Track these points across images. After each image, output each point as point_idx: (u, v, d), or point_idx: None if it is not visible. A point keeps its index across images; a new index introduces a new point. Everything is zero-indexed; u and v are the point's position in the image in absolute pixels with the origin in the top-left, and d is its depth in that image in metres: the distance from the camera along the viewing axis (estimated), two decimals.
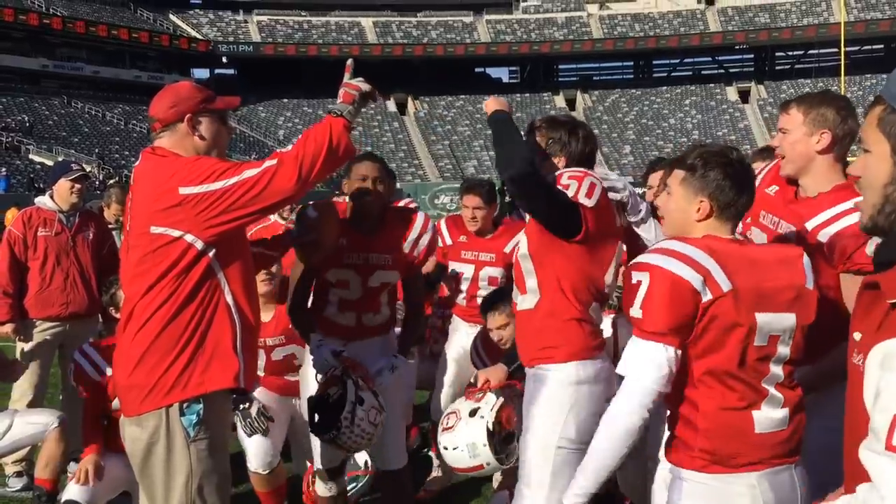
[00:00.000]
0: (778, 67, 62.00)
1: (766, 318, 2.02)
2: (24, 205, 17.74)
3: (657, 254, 2.05)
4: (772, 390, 2.05)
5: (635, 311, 2.04)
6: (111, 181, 35.23)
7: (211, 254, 2.53)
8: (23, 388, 4.95)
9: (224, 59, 57.87)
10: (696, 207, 2.13)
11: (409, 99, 59.48)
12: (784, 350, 2.06)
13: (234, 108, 2.85)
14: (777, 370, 2.06)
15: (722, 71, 63.47)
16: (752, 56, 62.58)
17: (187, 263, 2.51)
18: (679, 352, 2.01)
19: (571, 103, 60.15)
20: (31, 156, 37.59)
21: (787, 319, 2.07)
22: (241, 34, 59.06)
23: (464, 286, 4.68)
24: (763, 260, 2.09)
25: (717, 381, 2.02)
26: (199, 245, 2.51)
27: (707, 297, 1.98)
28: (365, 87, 2.71)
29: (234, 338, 2.60)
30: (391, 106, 59.24)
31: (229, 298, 2.60)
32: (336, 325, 3.46)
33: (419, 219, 3.56)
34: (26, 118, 41.59)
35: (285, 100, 58.46)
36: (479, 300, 4.26)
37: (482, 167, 52.15)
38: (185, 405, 2.53)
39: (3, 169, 32.96)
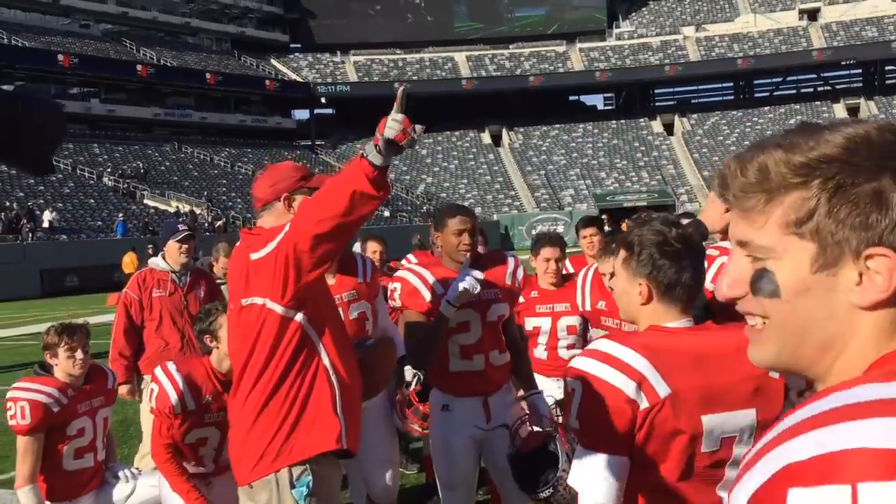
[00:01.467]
0: (889, 81, 59.27)
1: (715, 420, 1.81)
2: (140, 249, 18.60)
3: (590, 358, 1.86)
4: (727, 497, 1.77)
5: (573, 422, 1.87)
6: (218, 223, 36.65)
7: (299, 318, 2.56)
8: (147, 447, 5.03)
9: (323, 100, 59.68)
10: (636, 290, 1.94)
11: (504, 130, 59.72)
12: (742, 451, 1.82)
13: None
14: (734, 474, 1.80)
15: (828, 88, 61.17)
16: (860, 71, 60.08)
17: (276, 330, 2.56)
18: (628, 459, 1.82)
19: (669, 128, 59.06)
20: (145, 201, 39.51)
21: (745, 417, 1.84)
22: (339, 75, 60.80)
23: (542, 339, 4.69)
24: (715, 352, 1.85)
25: (663, 494, 1.82)
26: (278, 310, 2.54)
27: (644, 404, 1.78)
28: (397, 127, 2.42)
29: (333, 400, 2.63)
30: (486, 138, 59.60)
31: (326, 361, 2.63)
32: (465, 377, 3.47)
33: (509, 256, 3.71)
34: (140, 165, 43.83)
35: None
36: (560, 351, 4.58)
37: (579, 196, 51.70)
38: (295, 477, 2.57)
39: (121, 214, 34.72)
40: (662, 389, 1.79)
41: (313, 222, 2.44)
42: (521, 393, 3.62)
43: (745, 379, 1.84)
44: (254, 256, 2.56)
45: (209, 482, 3.69)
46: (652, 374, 1.79)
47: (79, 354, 3.85)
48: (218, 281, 5.87)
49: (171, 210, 38.47)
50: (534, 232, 43.42)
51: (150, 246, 16.47)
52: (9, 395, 3.80)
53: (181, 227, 5.45)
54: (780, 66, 58.09)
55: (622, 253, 1.99)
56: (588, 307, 4.44)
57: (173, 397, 3.48)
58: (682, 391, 1.80)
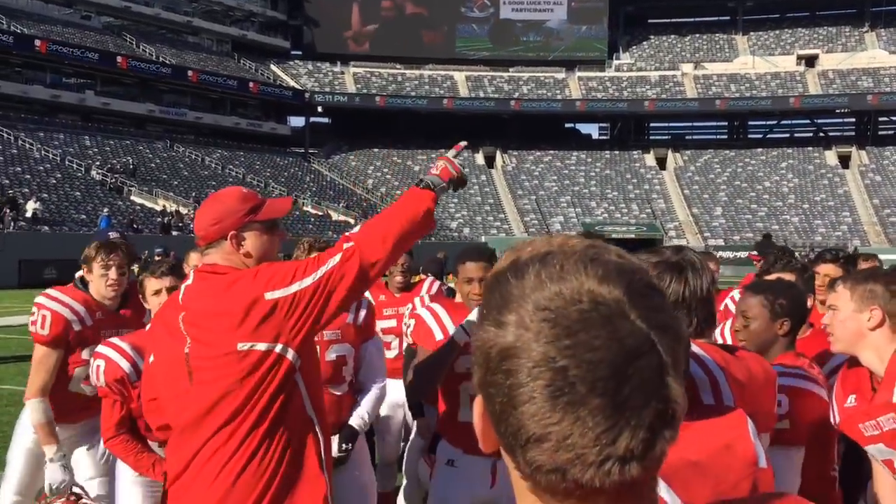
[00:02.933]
0: (881, 133, 59.85)
1: None
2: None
3: None
4: None
5: None
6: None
7: (292, 358, 2.27)
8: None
9: (319, 109, 59.64)
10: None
11: (498, 152, 59.84)
12: None
13: (284, 215, 2.58)
14: None
15: (821, 134, 61.70)
16: (853, 120, 60.67)
17: (277, 378, 2.25)
18: None
19: (662, 162, 59.33)
20: (132, 197, 39.20)
21: None
22: (338, 85, 60.82)
23: None
24: (707, 453, 1.64)
25: None
26: (289, 355, 2.26)
27: None
28: (462, 172, 2.60)
29: (318, 455, 2.37)
30: (479, 159, 59.67)
31: (310, 411, 2.35)
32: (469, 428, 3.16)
33: None
34: (131, 161, 43.52)
35: (375, 149, 59.63)
36: None
37: (568, 223, 51.73)
38: None
39: (106, 209, 34.39)
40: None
41: (385, 246, 2.29)
42: None
43: (744, 477, 1.66)
44: (273, 295, 2.23)
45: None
46: (667, 493, 1.51)
47: (112, 273, 3.63)
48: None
49: (158, 208, 38.18)
50: None
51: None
52: (37, 300, 3.65)
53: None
54: (773, 109, 58.57)
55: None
56: None
57: (124, 365, 3.25)
58: None
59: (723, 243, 47.71)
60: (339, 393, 3.43)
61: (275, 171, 52.57)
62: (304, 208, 45.43)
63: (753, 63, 61.96)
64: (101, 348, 3.34)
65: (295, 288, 2.24)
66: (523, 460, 0.70)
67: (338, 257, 2.28)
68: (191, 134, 52.66)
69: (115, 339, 3.37)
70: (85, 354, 3.61)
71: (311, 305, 2.24)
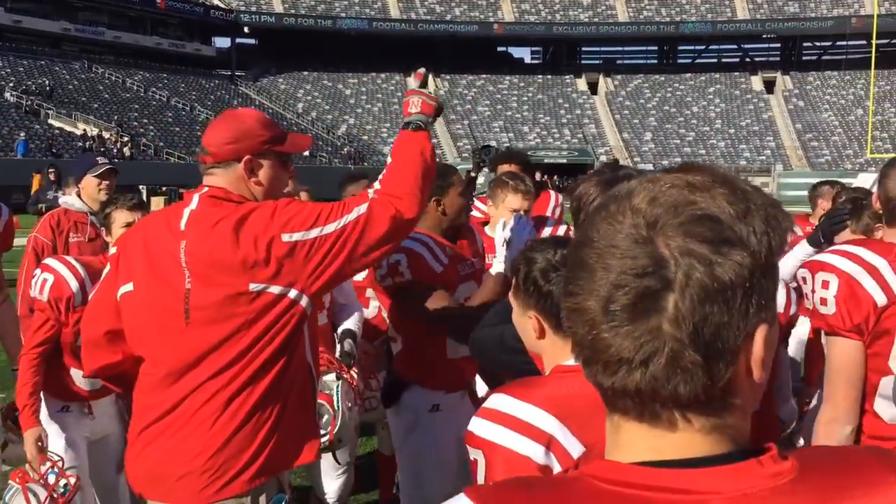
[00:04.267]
0: (805, 58, 61.08)
1: None
2: (43, 171, 17.66)
3: (488, 421, 1.63)
4: None
5: (461, 498, 1.64)
6: (127, 149, 35.25)
7: (305, 304, 2.15)
8: None
9: (246, 29, 57.62)
10: (530, 324, 1.76)
11: (430, 76, 58.86)
12: None
13: (305, 150, 2.44)
14: None
15: (747, 60, 62.63)
16: (778, 45, 61.67)
17: (290, 324, 2.13)
18: None
19: (594, 87, 59.54)
20: (50, 120, 37.58)
21: None
22: (265, 4, 58.74)
23: None
24: None
25: None
26: (303, 302, 2.12)
27: (556, 468, 1.56)
28: (439, 100, 2.44)
29: (313, 402, 2.30)
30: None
31: (309, 358, 2.26)
32: (459, 365, 3.02)
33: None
34: (47, 82, 41.57)
35: (305, 72, 58.21)
36: None
37: (501, 149, 51.78)
38: (269, 497, 2.18)
39: (23, 133, 32.95)
40: (575, 448, 1.58)
41: (413, 195, 2.18)
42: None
43: None
44: (291, 237, 2.08)
45: (90, 413, 3.31)
46: (561, 433, 1.58)
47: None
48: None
49: (78, 132, 36.75)
50: None
51: (51, 170, 15.44)
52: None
53: (101, 159, 4.68)
54: (703, 33, 59.05)
55: (513, 281, 1.81)
56: None
57: (73, 285, 3.03)
58: (597, 444, 1.61)
59: (652, 168, 48.56)
60: (320, 323, 3.35)
61: (200, 94, 50.95)
62: None
63: None
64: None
65: (315, 233, 2.10)
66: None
67: (364, 206, 2.15)
68: (110, 54, 50.46)
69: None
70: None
71: (331, 253, 2.11)
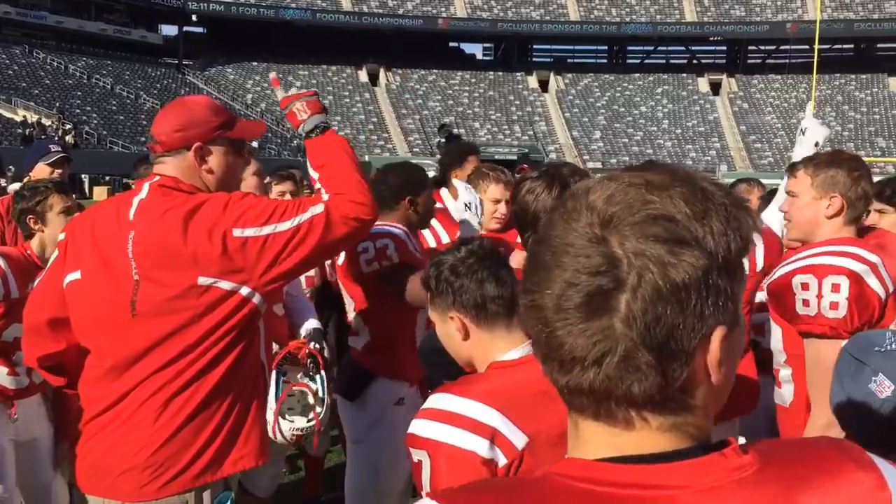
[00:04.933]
0: (750, 61, 62.37)
1: None
2: None
3: (431, 420, 1.64)
4: None
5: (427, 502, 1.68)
6: (69, 137, 34.34)
7: (263, 309, 2.15)
8: None
9: (194, 17, 56.58)
10: (454, 330, 1.80)
11: (382, 70, 58.80)
12: None
13: (257, 137, 2.45)
14: None
15: (695, 62, 63.71)
16: (724, 48, 62.85)
17: (240, 321, 2.10)
18: None
19: (544, 84, 59.93)
20: None
21: None
22: None
23: None
24: None
25: None
26: (255, 299, 2.10)
27: (502, 461, 1.59)
28: (315, 92, 2.41)
29: (264, 401, 2.28)
30: (363, 76, 58.51)
31: (263, 357, 2.24)
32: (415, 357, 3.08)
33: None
34: None
35: (255, 63, 57.44)
36: None
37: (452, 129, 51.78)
38: (214, 495, 2.14)
39: None
40: (519, 439, 1.61)
41: (365, 194, 2.17)
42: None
43: None
44: (243, 233, 2.04)
45: (13, 412, 3.13)
46: (504, 425, 1.60)
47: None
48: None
49: (18, 119, 35.71)
50: None
51: None
52: None
53: (53, 147, 4.51)
54: (651, 34, 59.87)
55: (427, 291, 1.84)
56: None
57: None
58: (541, 433, 1.62)
59: (601, 166, 49.09)
60: (280, 314, 3.27)
61: (146, 82, 49.91)
62: None
63: None
64: None
65: (269, 230, 2.06)
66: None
67: (320, 206, 2.12)
68: (52, 39, 49.11)
69: None
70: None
71: (285, 251, 2.07)
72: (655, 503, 0.71)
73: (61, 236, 2.31)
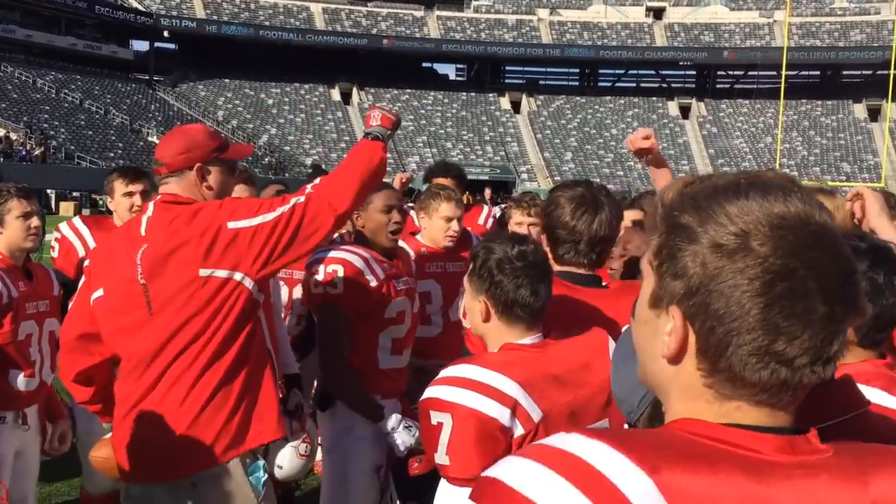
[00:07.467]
0: (718, 86, 63.35)
1: None
2: None
3: (456, 387, 1.76)
4: None
5: (441, 458, 1.78)
6: (37, 152, 33.87)
7: (261, 299, 2.44)
8: None
9: (165, 34, 56.28)
10: (478, 308, 1.92)
11: (355, 89, 58.87)
12: None
13: (246, 157, 2.77)
14: None
15: (665, 85, 64.57)
16: (694, 73, 63.80)
17: (238, 306, 2.36)
18: None
19: (517, 106, 60.37)
20: None
21: (602, 427, 1.85)
22: (186, 9, 57.57)
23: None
24: (569, 366, 1.88)
25: None
26: (248, 284, 2.36)
27: (518, 431, 1.73)
28: (398, 116, 2.68)
29: (275, 385, 2.53)
30: (335, 95, 58.51)
31: (269, 346, 2.53)
32: (392, 375, 3.11)
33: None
34: None
35: (227, 80, 57.23)
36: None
37: (424, 163, 51.93)
38: (246, 463, 2.43)
39: None
40: (536, 413, 1.73)
41: (348, 193, 2.38)
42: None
43: (599, 391, 1.86)
44: (235, 225, 2.32)
45: (24, 423, 3.15)
46: (524, 398, 1.73)
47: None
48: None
49: None
50: None
51: None
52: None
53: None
54: (622, 59, 60.63)
55: (470, 266, 1.95)
56: None
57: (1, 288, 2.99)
58: (553, 411, 1.75)
59: None
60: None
61: (116, 97, 49.49)
62: (150, 139, 43.15)
63: (606, 12, 63.64)
64: None
65: (257, 221, 2.33)
66: (733, 360, 0.79)
67: (301, 198, 2.37)
68: (21, 53, 48.51)
69: None
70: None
71: (272, 239, 2.33)
72: (760, 466, 0.79)
73: (86, 263, 2.63)
